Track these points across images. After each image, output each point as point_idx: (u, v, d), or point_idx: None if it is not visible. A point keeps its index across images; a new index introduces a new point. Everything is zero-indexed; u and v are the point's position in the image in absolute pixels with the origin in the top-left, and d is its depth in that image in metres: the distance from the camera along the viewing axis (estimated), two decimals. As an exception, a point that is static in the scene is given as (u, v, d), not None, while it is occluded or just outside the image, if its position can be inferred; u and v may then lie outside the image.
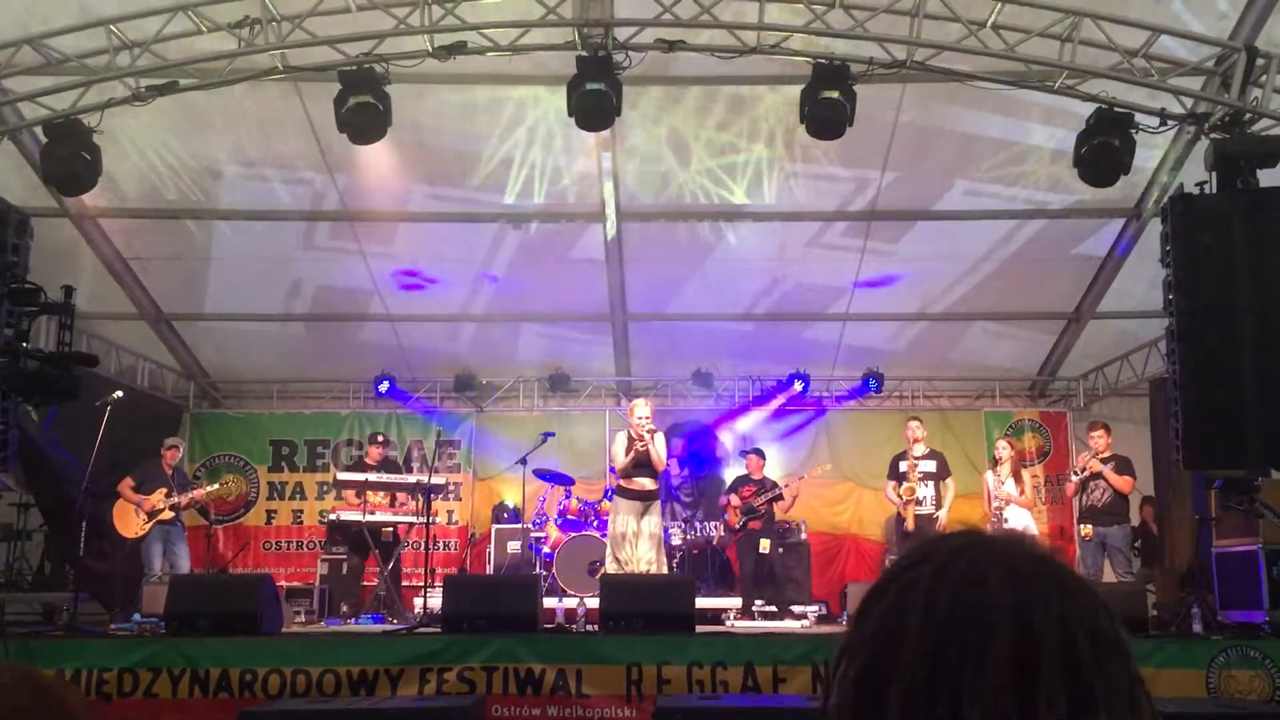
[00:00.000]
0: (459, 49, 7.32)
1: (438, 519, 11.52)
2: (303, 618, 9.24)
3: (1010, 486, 9.68)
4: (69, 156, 7.66)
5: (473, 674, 6.43)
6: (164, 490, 9.79)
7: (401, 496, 10.33)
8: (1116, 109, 7.47)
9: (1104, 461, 9.41)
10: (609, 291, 11.16)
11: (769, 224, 10.47)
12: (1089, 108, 7.62)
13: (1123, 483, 9.35)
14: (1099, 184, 7.89)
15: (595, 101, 7.39)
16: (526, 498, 10.68)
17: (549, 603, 8.63)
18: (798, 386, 11.92)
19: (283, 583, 9.75)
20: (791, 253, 10.75)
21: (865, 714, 0.92)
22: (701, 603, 8.28)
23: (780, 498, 10.85)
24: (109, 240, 10.38)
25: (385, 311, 11.58)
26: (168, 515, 9.76)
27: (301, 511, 12.47)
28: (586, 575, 9.59)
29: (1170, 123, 7.64)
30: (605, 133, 8.55)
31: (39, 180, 8.36)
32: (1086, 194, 9.00)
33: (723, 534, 11.03)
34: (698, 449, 12.58)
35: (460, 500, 12.49)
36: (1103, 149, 7.51)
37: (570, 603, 9.03)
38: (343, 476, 10.41)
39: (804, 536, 11.36)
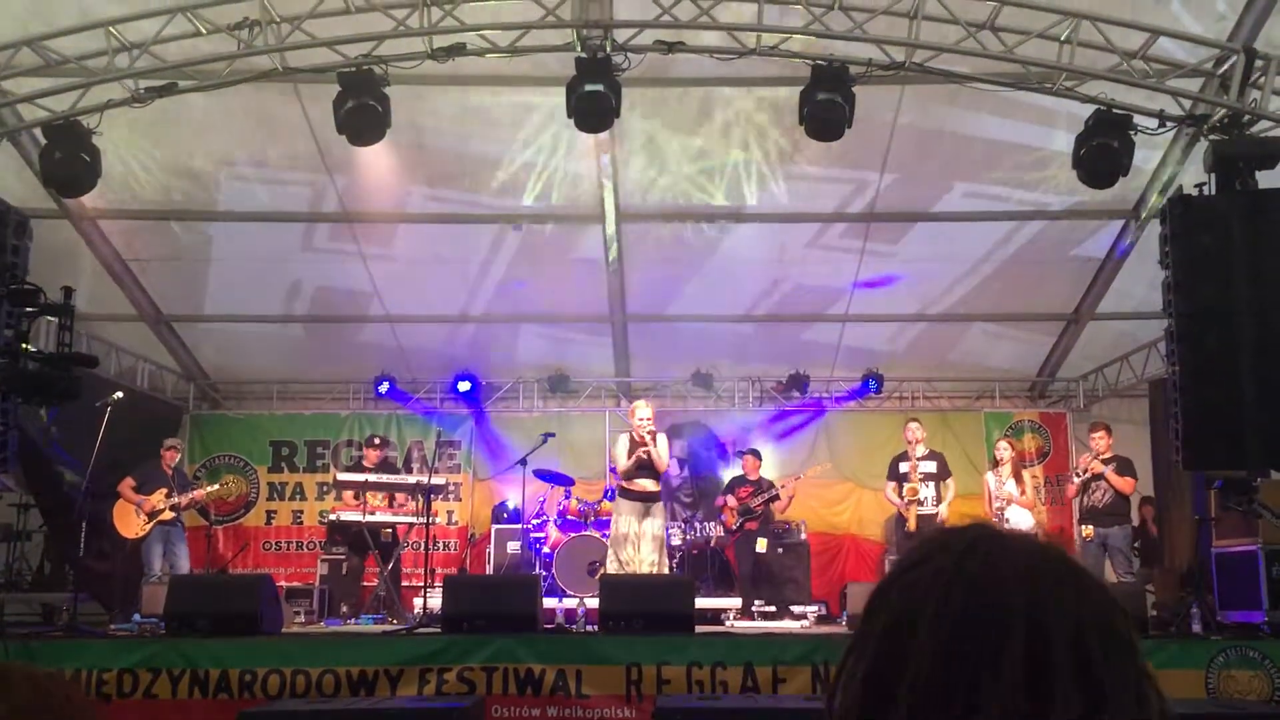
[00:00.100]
0: (458, 50, 7.33)
1: (437, 519, 11.52)
2: (302, 618, 9.23)
3: (1011, 487, 9.69)
4: (68, 158, 7.67)
5: (472, 674, 6.43)
6: (164, 491, 9.79)
7: (401, 497, 10.32)
8: (1115, 110, 7.48)
9: (1105, 462, 9.42)
10: (609, 292, 11.17)
11: (768, 225, 10.47)
12: (1088, 109, 7.63)
13: (1124, 484, 9.37)
14: (1098, 185, 7.90)
15: (594, 103, 7.39)
16: (526, 498, 10.67)
17: (549, 603, 8.63)
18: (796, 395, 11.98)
19: (282, 583, 9.74)
20: (791, 254, 10.76)
21: (873, 713, 0.91)
22: (701, 603, 8.28)
23: (777, 498, 10.86)
24: (108, 241, 10.38)
25: (384, 312, 11.58)
26: (168, 516, 9.76)
27: (301, 512, 12.47)
28: (586, 575, 9.58)
29: (1169, 124, 7.64)
30: (604, 134, 8.56)
31: (39, 181, 8.36)
32: (1086, 195, 8.99)
33: (721, 534, 11.03)
34: (697, 449, 12.60)
35: (460, 500, 12.50)
36: (1102, 150, 7.52)
37: (570, 603, 9.04)
38: (343, 477, 10.41)
39: (804, 537, 11.36)
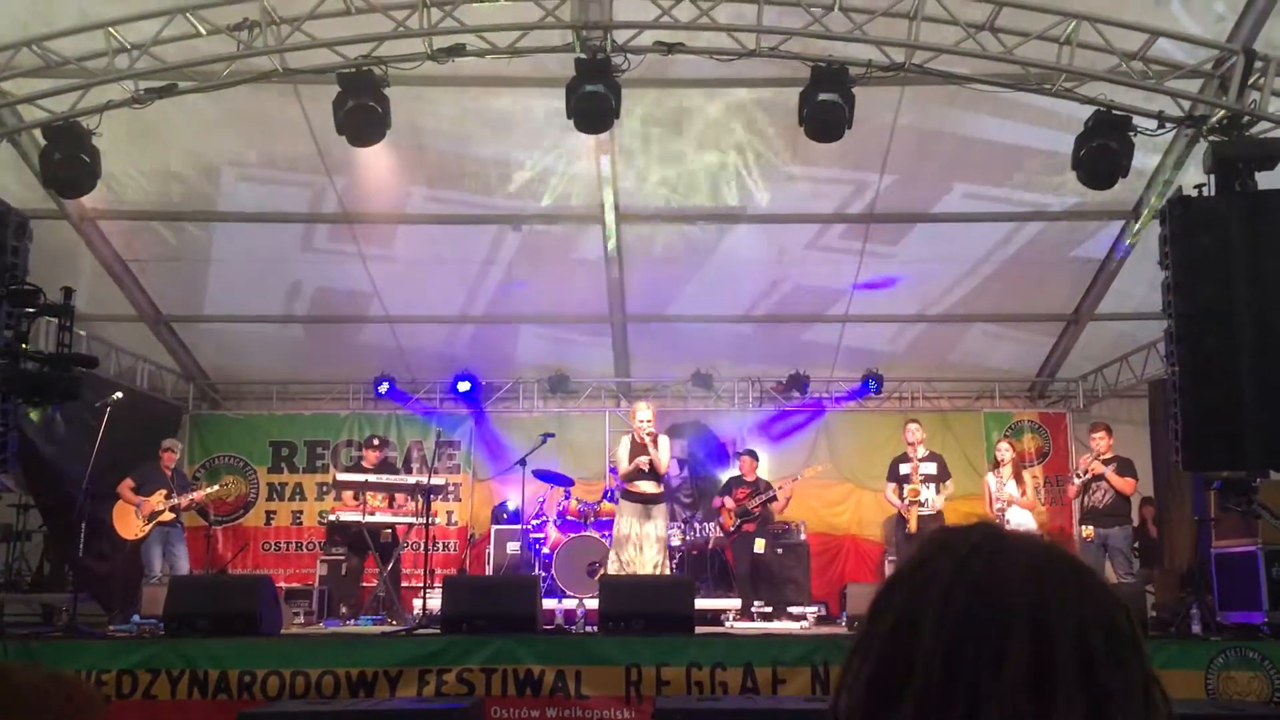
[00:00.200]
0: (458, 51, 7.33)
1: (437, 520, 11.51)
2: (302, 619, 9.23)
3: (1012, 488, 9.69)
4: (68, 159, 7.67)
5: (472, 675, 6.43)
6: (163, 492, 9.78)
7: (400, 497, 10.32)
8: (1115, 112, 7.48)
9: (1106, 463, 9.42)
10: (608, 293, 11.17)
11: (768, 226, 10.47)
12: (1087, 110, 7.63)
13: (1125, 484, 9.37)
14: (1098, 186, 7.90)
15: (594, 104, 7.40)
16: (526, 499, 10.68)
17: (548, 604, 8.64)
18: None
19: (282, 584, 9.75)
20: (791, 255, 10.77)
21: (878, 715, 0.92)
22: (701, 604, 8.28)
23: (774, 499, 10.86)
24: (108, 242, 10.39)
25: (384, 313, 11.59)
26: (167, 517, 9.75)
27: (301, 512, 12.47)
28: (585, 576, 9.58)
29: (1168, 125, 7.64)
30: (604, 135, 8.56)
31: (38, 182, 8.37)
32: (1085, 196, 9.00)
33: (719, 535, 11.04)
34: (697, 450, 12.60)
35: (459, 501, 12.50)
36: (1101, 151, 7.52)
37: (569, 604, 9.04)
38: (342, 477, 10.40)
39: (803, 537, 11.36)
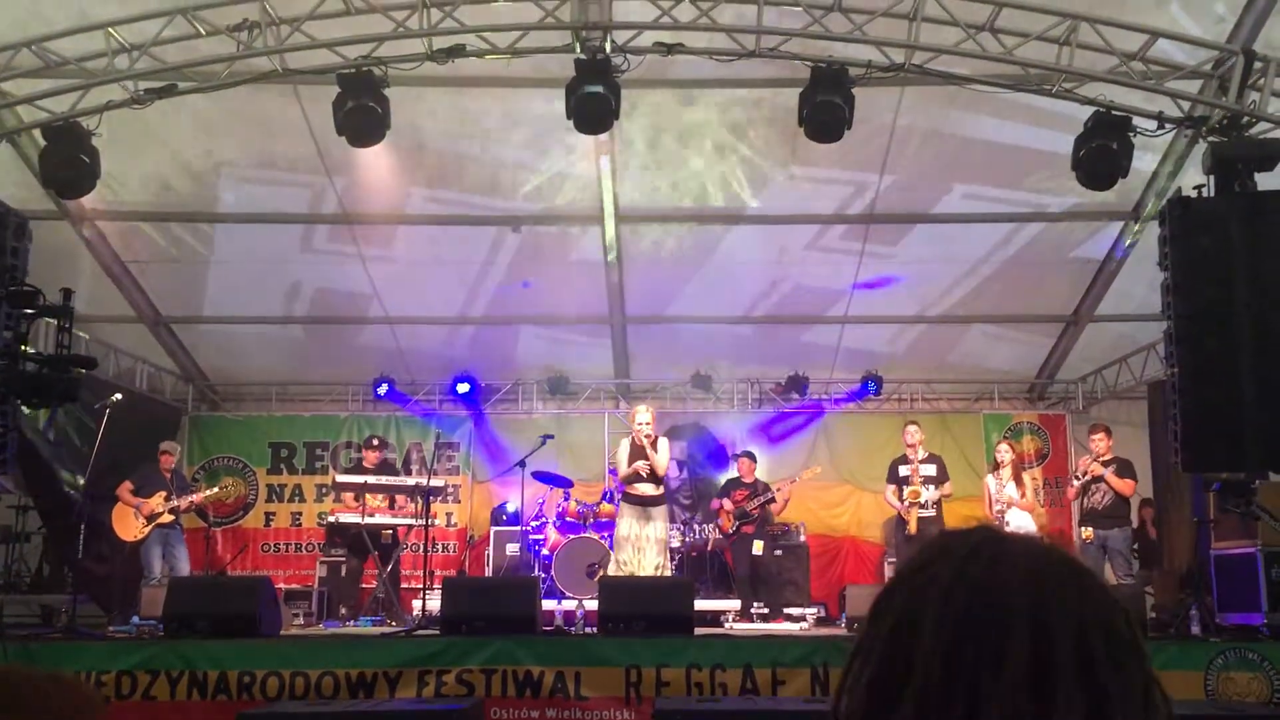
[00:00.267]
0: (457, 52, 7.33)
1: (436, 521, 11.50)
2: (301, 620, 9.23)
3: (1011, 489, 9.68)
4: (68, 159, 7.66)
5: (471, 676, 6.43)
6: (163, 494, 9.77)
7: (401, 498, 10.32)
8: (1114, 112, 7.48)
9: (1105, 464, 9.42)
10: (608, 294, 11.17)
11: (768, 227, 10.47)
12: (1087, 111, 7.63)
13: (1124, 486, 9.37)
14: (1097, 187, 7.90)
15: (594, 104, 7.40)
16: (525, 500, 10.67)
17: (548, 605, 8.64)
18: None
19: (281, 585, 9.75)
20: (790, 255, 10.76)
21: (878, 716, 0.91)
22: (700, 605, 8.28)
23: (773, 500, 10.86)
24: (107, 243, 10.38)
25: (384, 314, 11.58)
26: (167, 519, 9.75)
27: (300, 514, 12.46)
28: (585, 577, 9.58)
29: (1168, 126, 7.64)
30: (604, 136, 8.56)
31: (38, 183, 8.36)
32: (1085, 197, 9.00)
33: (719, 537, 11.03)
34: (696, 451, 12.60)
35: (459, 502, 12.50)
36: (1101, 152, 7.52)
37: (569, 605, 9.04)
38: (342, 479, 10.40)
39: (803, 539, 11.36)
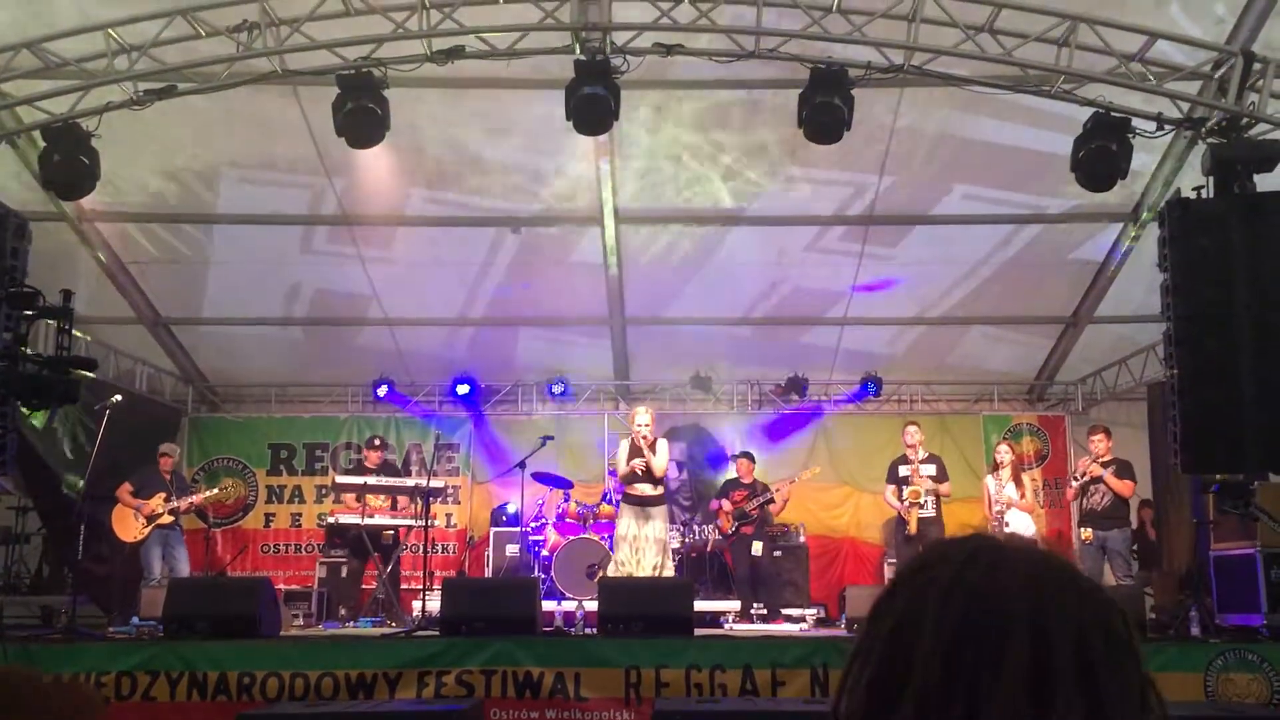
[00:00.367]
0: (457, 53, 7.34)
1: (436, 522, 11.50)
2: (301, 621, 9.22)
3: (1011, 490, 9.68)
4: (67, 160, 7.66)
5: (471, 677, 6.44)
6: (162, 495, 9.77)
7: (401, 500, 10.33)
8: (1114, 113, 7.48)
9: (1105, 465, 9.42)
10: (607, 295, 11.17)
11: (767, 228, 10.48)
12: (1086, 112, 7.63)
13: (1123, 487, 9.37)
14: (1096, 188, 7.90)
15: (593, 105, 7.40)
16: (525, 501, 10.68)
17: (548, 606, 8.64)
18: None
19: (281, 586, 9.73)
20: (790, 257, 10.77)
21: (878, 717, 0.92)
22: (700, 605, 8.28)
23: (772, 501, 10.86)
24: (107, 244, 10.39)
25: (384, 315, 11.58)
26: (166, 520, 9.75)
27: (300, 515, 12.46)
28: (585, 578, 9.58)
29: (1167, 127, 7.64)
30: (603, 137, 8.56)
31: (38, 184, 8.36)
32: (1084, 198, 9.01)
33: (718, 538, 11.03)
34: (695, 452, 12.60)
35: (459, 503, 12.50)
36: (1100, 153, 7.52)
37: (569, 605, 9.03)
38: (342, 480, 10.40)
39: (802, 540, 11.37)
